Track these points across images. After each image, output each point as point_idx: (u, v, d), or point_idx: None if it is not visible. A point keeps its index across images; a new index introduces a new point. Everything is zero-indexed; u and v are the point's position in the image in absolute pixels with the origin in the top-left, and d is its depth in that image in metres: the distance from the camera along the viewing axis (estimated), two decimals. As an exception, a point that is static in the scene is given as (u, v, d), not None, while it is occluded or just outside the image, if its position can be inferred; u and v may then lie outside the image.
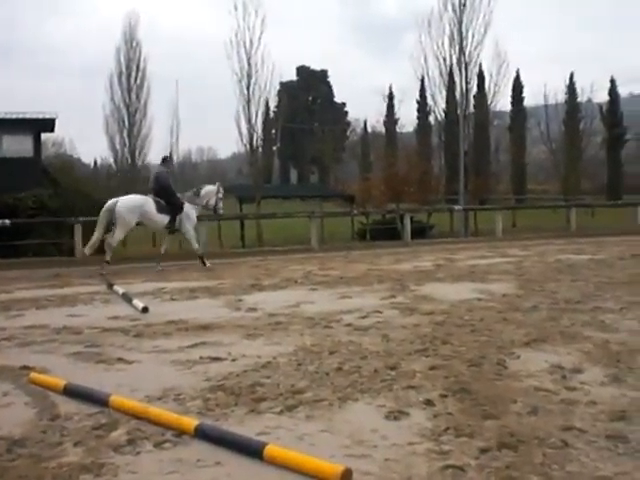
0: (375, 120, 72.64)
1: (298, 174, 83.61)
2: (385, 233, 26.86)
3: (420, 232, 26.84)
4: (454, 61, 34.78)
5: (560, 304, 8.93)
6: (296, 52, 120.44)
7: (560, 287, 10.53)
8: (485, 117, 41.95)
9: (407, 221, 22.41)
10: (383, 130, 65.19)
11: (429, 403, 4.74)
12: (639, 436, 4.01)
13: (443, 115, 40.01)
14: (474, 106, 40.00)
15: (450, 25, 34.64)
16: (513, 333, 7.08)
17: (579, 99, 49.10)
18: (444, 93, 38.10)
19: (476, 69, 36.62)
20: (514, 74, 51.20)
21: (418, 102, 57.78)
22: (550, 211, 36.25)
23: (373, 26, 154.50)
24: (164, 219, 14.88)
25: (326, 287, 11.38)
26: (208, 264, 15.33)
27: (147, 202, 14.72)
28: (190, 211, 15.37)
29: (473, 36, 34.21)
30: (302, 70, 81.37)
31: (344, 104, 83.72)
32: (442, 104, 39.03)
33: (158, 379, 5.58)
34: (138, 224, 14.95)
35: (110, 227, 14.73)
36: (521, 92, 52.87)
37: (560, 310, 8.46)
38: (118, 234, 14.62)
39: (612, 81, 54.02)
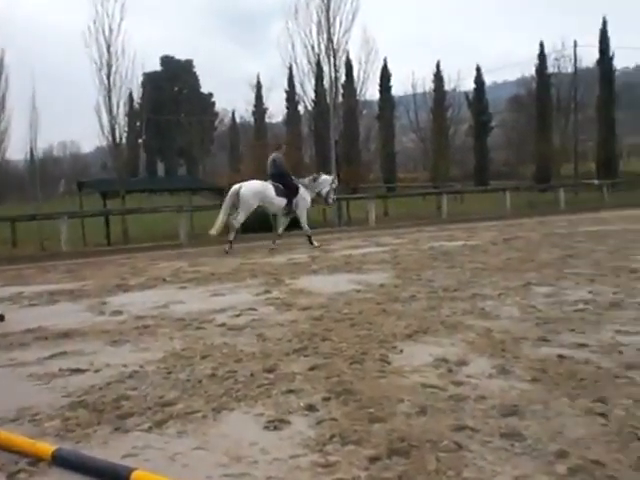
0: (244, 110, 71.92)
1: (165, 167, 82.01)
2: (258, 226, 26.46)
3: (293, 223, 26.58)
4: (322, 49, 34.82)
5: (438, 292, 8.87)
6: (160, 42, 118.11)
7: (437, 275, 10.53)
8: (354, 106, 42.23)
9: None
10: (252, 120, 64.76)
11: (311, 408, 4.45)
12: (535, 432, 3.86)
13: (312, 104, 40.05)
14: (343, 95, 40.18)
15: (317, 12, 34.64)
16: (394, 325, 6.91)
17: (446, 87, 50.31)
18: (313, 82, 38.10)
19: (344, 57, 36.86)
20: (382, 63, 51.88)
21: (287, 91, 57.56)
22: (420, 198, 36.92)
23: (240, 15, 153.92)
24: (282, 202, 16.24)
25: (197, 284, 10.93)
26: (316, 243, 16.56)
27: (267, 187, 16.10)
28: (305, 194, 16.71)
29: (341, 23, 34.35)
30: (166, 60, 79.80)
31: (211, 94, 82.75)
32: (311, 93, 39.06)
33: (12, 397, 5.05)
34: (259, 207, 16.28)
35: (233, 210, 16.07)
36: (389, 80, 53.55)
37: (439, 299, 8.40)
38: (241, 216, 15.99)
39: (478, 69, 55.51)
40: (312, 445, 3.84)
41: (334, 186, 17.56)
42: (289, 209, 16.55)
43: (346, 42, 34.88)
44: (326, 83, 34.80)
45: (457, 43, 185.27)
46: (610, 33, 43.33)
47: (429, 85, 51.29)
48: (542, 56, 47.44)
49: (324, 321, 7.31)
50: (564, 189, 28.54)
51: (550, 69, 47.28)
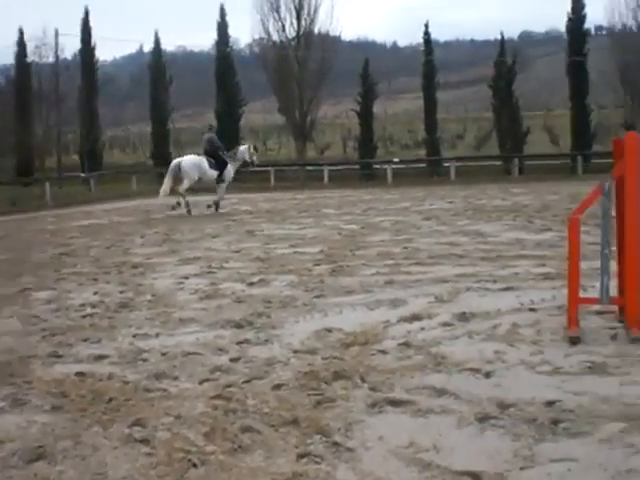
0: None
1: None
2: None
3: None
4: None
5: None
6: None
7: None
8: None
9: None
10: None
11: None
12: (71, 478, 3.20)
13: None
14: None
15: None
16: None
17: None
18: None
19: None
20: None
21: None
22: None
23: None
24: (214, 173, 19.37)
25: None
26: (220, 210, 19.50)
27: (203, 160, 19.27)
28: (231, 169, 19.93)
29: None
30: None
31: None
32: None
33: None
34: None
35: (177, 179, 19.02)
36: None
37: None
38: (185, 184, 18.88)
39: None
40: None
41: (252, 151, 20.76)
42: (220, 179, 19.61)
43: None
44: None
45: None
46: (92, 24, 43.42)
47: None
48: (22, 43, 45.50)
49: None
50: (50, 182, 27.87)
51: (31, 57, 45.62)
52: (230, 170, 19.94)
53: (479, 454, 3.41)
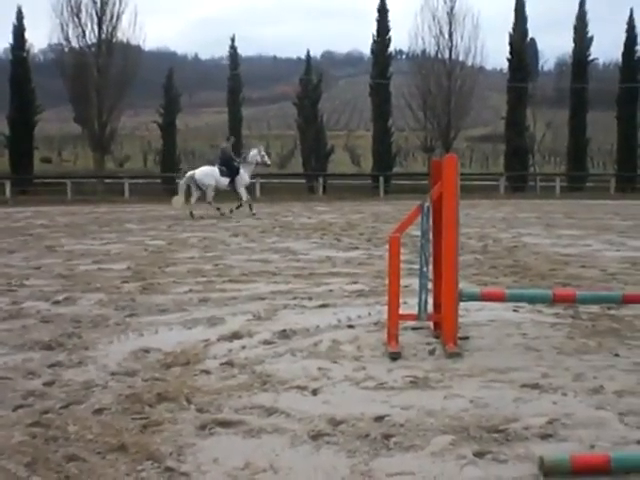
0: None
1: None
2: None
3: None
4: None
5: None
6: None
7: None
8: None
9: None
10: None
11: None
12: None
13: None
14: None
15: None
16: None
17: None
18: None
19: None
20: None
21: None
22: None
23: None
24: (226, 180, 21.85)
25: None
26: (254, 211, 21.97)
27: (214, 170, 21.91)
28: (244, 173, 22.17)
29: None
30: None
31: None
32: None
33: None
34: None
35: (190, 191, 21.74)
36: None
37: None
38: (209, 193, 21.65)
39: None
40: None
41: (263, 153, 23.04)
42: (232, 186, 21.88)
43: None
44: None
45: None
46: None
47: None
48: None
49: None
50: None
51: None
52: (243, 175, 22.10)
53: (316, 472, 3.45)
